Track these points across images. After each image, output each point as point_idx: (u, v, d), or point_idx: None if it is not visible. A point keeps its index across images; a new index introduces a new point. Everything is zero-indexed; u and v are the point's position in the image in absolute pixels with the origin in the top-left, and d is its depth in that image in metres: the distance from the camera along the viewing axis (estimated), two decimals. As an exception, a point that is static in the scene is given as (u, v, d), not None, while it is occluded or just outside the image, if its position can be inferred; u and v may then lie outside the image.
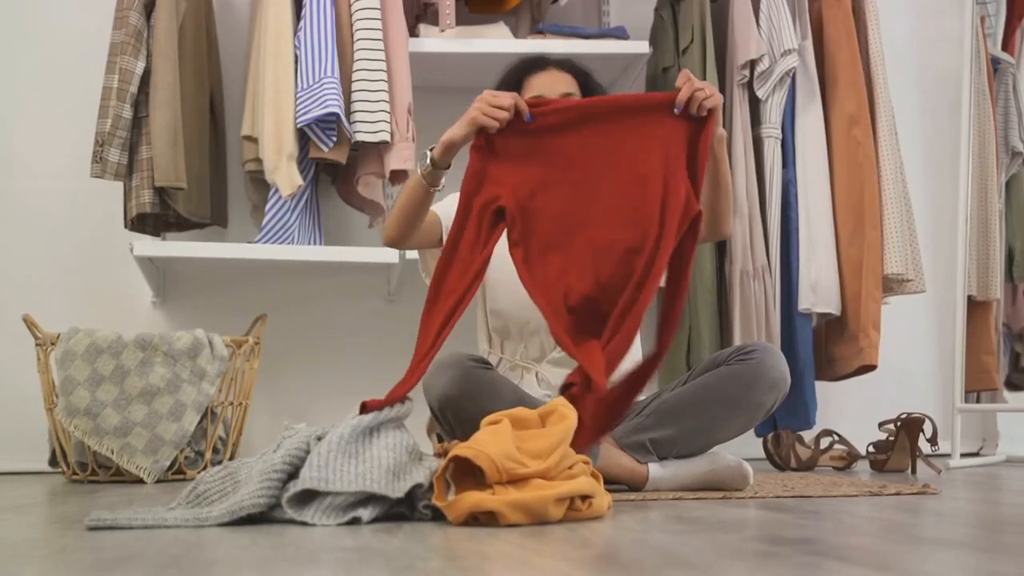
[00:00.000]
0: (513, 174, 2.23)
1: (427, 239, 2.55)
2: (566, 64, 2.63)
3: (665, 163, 2.19)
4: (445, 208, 2.55)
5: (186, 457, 2.98)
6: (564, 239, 2.20)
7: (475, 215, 2.19)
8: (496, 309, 2.58)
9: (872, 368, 3.38)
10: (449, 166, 2.33)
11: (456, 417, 2.32)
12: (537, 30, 3.54)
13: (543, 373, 2.53)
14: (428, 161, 2.32)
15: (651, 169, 2.19)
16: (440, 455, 1.87)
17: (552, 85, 2.58)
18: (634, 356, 2.64)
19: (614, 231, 2.18)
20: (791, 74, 3.38)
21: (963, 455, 3.58)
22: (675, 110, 2.19)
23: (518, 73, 2.63)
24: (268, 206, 3.22)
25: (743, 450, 2.77)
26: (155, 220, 3.32)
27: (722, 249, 3.37)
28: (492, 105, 2.21)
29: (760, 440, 3.35)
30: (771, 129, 3.38)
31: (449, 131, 2.29)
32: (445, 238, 2.50)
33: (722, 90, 3.37)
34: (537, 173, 2.22)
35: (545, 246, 2.20)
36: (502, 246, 2.48)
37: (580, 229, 2.20)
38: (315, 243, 3.38)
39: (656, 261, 2.13)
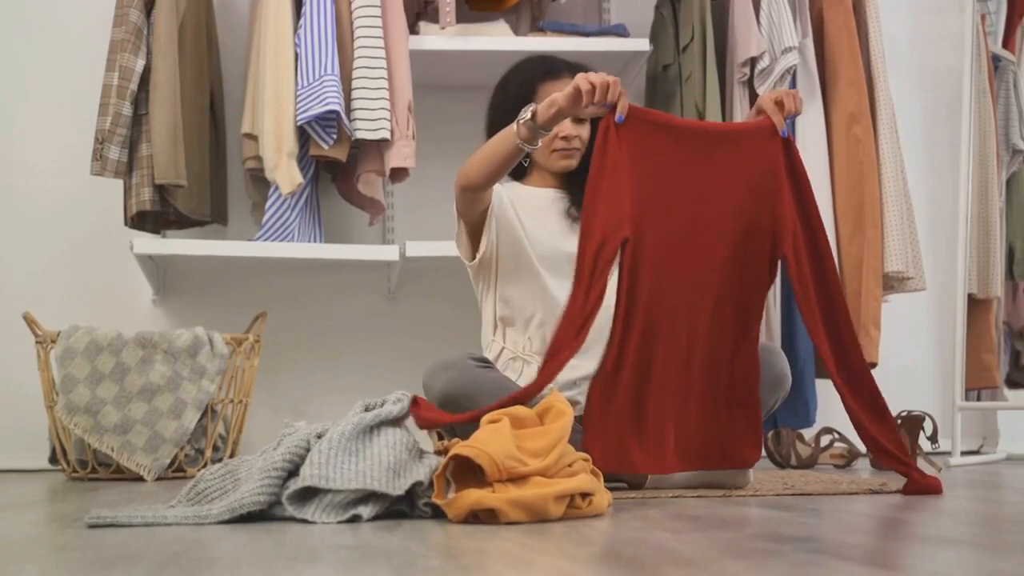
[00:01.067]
0: (629, 186, 2.20)
1: (483, 203, 2.53)
2: (576, 72, 2.60)
3: (770, 212, 2.23)
4: (500, 192, 2.56)
5: (186, 455, 2.98)
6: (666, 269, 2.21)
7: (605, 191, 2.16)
8: (506, 296, 2.58)
9: (872, 366, 3.37)
10: (551, 131, 2.30)
11: None
12: (537, 28, 3.53)
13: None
14: (530, 116, 2.26)
15: (753, 221, 2.23)
16: (440, 453, 1.87)
17: None
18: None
19: (713, 277, 2.23)
20: (791, 72, 3.37)
21: (963, 453, 3.58)
22: (782, 134, 2.22)
23: (532, 77, 2.61)
24: (268, 204, 3.22)
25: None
26: (155, 218, 3.32)
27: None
28: (594, 80, 2.18)
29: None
30: (771, 127, 3.37)
31: (560, 99, 2.22)
32: (489, 217, 2.53)
33: (722, 88, 3.37)
34: (645, 190, 2.20)
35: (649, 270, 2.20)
36: (526, 231, 2.53)
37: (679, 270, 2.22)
38: (315, 241, 3.38)
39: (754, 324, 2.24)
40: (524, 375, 2.52)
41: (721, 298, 2.24)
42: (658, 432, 2.22)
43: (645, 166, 2.19)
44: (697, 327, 2.24)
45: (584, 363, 2.54)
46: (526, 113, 2.27)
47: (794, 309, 3.35)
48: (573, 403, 2.46)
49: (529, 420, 1.90)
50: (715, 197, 2.22)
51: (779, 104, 2.27)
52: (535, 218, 2.59)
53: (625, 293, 2.18)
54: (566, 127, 2.55)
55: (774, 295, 3.32)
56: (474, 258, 2.57)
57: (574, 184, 2.60)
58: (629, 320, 2.18)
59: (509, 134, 2.30)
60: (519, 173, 2.67)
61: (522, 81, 2.61)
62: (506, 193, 2.59)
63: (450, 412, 2.34)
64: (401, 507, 1.79)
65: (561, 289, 2.55)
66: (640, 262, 2.18)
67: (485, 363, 2.42)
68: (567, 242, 2.59)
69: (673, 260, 2.21)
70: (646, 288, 2.19)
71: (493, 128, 2.65)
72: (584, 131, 2.58)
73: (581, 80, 2.18)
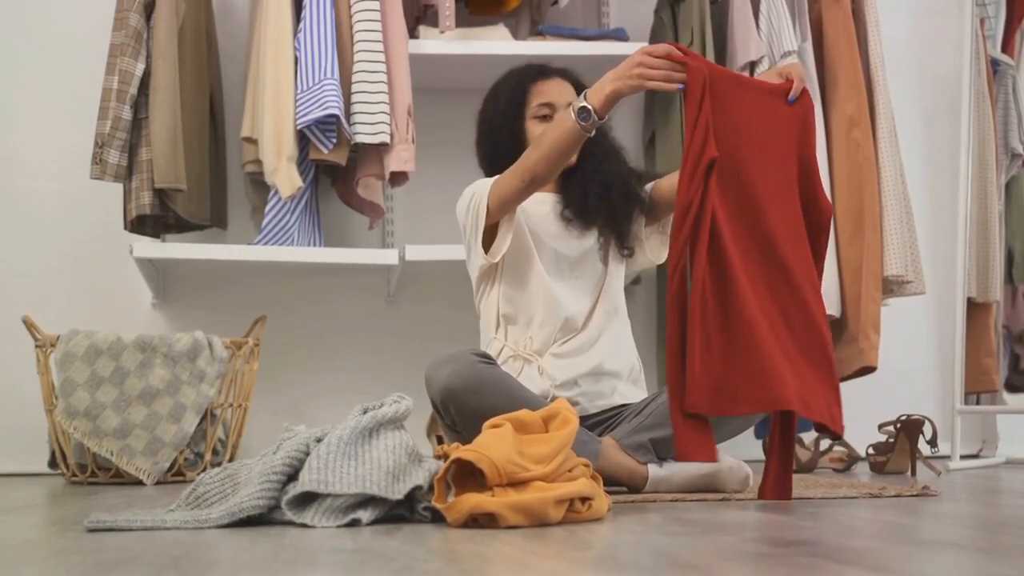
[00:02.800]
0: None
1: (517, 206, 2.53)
2: (568, 75, 2.66)
3: (798, 161, 2.21)
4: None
5: (185, 459, 2.98)
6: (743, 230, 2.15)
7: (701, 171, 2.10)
8: (510, 295, 2.58)
9: (872, 370, 3.37)
10: (605, 117, 2.31)
11: (458, 411, 2.33)
12: (537, 32, 3.54)
13: (545, 366, 2.53)
14: (590, 109, 2.27)
15: (790, 170, 2.20)
16: (440, 457, 1.87)
17: (560, 93, 2.61)
18: (629, 358, 2.64)
19: (782, 242, 2.16)
20: (791, 76, 3.37)
21: (963, 457, 3.58)
22: (790, 100, 2.20)
23: (523, 80, 2.64)
24: (268, 207, 3.22)
25: (742, 452, 2.77)
26: (155, 221, 3.32)
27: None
28: (656, 61, 2.16)
29: (760, 442, 3.35)
30: (771, 131, 3.37)
31: (613, 83, 2.23)
32: (514, 213, 2.52)
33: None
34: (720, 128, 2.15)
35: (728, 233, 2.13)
36: (531, 232, 2.53)
37: (754, 225, 2.15)
38: (315, 244, 3.38)
39: (814, 278, 2.17)
40: (524, 374, 2.52)
41: (788, 237, 2.17)
42: (769, 367, 2.07)
43: (715, 108, 2.15)
44: (770, 258, 2.15)
45: (583, 360, 2.55)
46: (578, 104, 2.28)
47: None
48: (574, 403, 2.47)
49: (534, 425, 1.90)
50: (769, 144, 2.19)
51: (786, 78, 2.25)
52: (537, 221, 2.61)
53: (706, 217, 2.09)
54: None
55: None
56: (497, 256, 2.54)
57: (569, 185, 2.61)
58: (713, 245, 2.10)
59: (570, 128, 2.30)
60: None
61: (514, 84, 2.64)
62: None
63: (453, 407, 2.35)
64: (400, 511, 1.79)
65: (563, 291, 2.57)
66: (720, 189, 2.12)
67: (487, 359, 2.42)
68: (566, 246, 2.60)
69: (745, 195, 2.15)
70: (723, 218, 2.12)
71: (485, 136, 2.68)
72: None
73: (648, 79, 2.17)
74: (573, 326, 2.57)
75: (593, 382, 2.55)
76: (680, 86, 2.16)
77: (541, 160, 2.39)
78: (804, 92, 2.23)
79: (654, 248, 2.67)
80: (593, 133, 2.34)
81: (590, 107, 2.28)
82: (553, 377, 2.51)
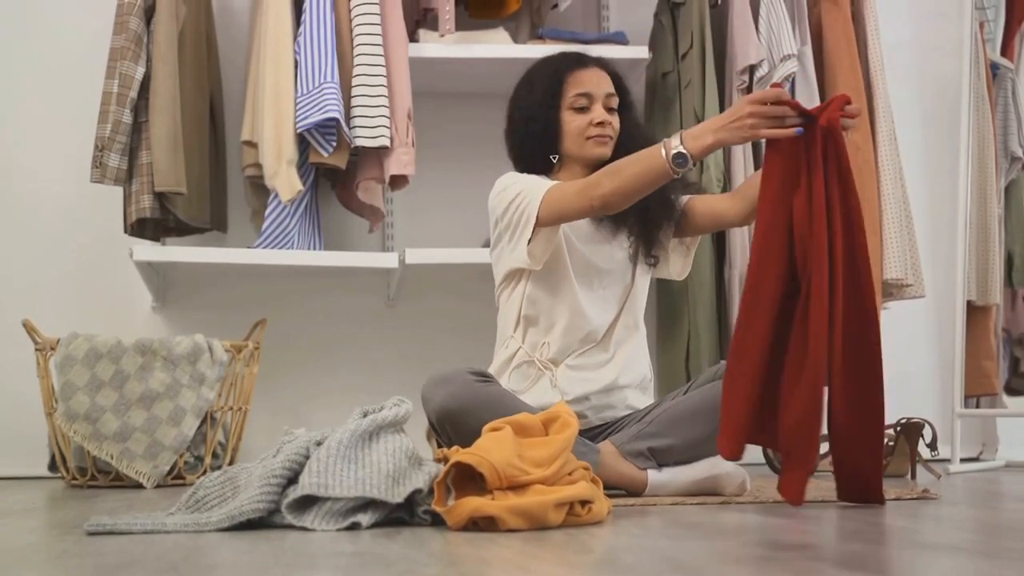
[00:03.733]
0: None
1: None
2: (606, 64, 2.60)
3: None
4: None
5: (185, 462, 2.98)
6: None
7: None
8: (535, 296, 2.54)
9: (871, 373, 3.37)
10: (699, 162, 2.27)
11: (456, 432, 2.30)
12: (537, 35, 3.54)
13: (558, 378, 2.51)
14: (683, 149, 2.20)
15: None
16: (440, 460, 1.87)
17: (598, 83, 2.54)
18: (642, 370, 2.62)
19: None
20: (790, 79, 3.38)
21: (963, 460, 3.58)
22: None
23: (560, 68, 2.57)
24: (268, 211, 3.22)
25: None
26: (155, 225, 3.32)
27: (721, 254, 3.37)
28: (771, 112, 2.08)
29: (759, 446, 3.35)
30: (770, 134, 3.37)
31: (717, 133, 2.16)
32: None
33: (721, 95, 3.38)
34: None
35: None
36: (564, 236, 2.50)
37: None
38: (315, 248, 3.38)
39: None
40: (537, 384, 2.50)
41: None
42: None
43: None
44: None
45: (598, 376, 2.53)
46: (674, 144, 2.20)
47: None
48: (581, 417, 2.45)
49: (534, 429, 1.90)
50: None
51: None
52: (571, 223, 2.54)
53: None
54: (599, 113, 2.52)
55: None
56: (539, 263, 2.48)
57: None
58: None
59: (660, 166, 2.23)
60: (546, 168, 2.59)
61: (550, 73, 2.57)
62: None
63: (450, 427, 2.33)
64: (400, 514, 1.79)
65: (588, 301, 2.52)
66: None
67: (484, 377, 2.39)
68: (596, 252, 2.55)
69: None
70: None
71: (518, 124, 2.59)
72: (616, 119, 2.56)
73: (763, 131, 2.09)
74: (593, 337, 2.54)
75: (604, 396, 2.54)
76: (799, 130, 2.07)
77: (618, 191, 2.31)
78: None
79: (675, 262, 2.65)
80: (679, 175, 2.26)
81: (687, 154, 2.20)
82: (565, 391, 2.49)
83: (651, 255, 2.61)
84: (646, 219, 2.54)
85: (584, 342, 2.53)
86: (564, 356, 2.52)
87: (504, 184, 2.52)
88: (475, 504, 1.68)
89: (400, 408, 1.90)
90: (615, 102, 2.57)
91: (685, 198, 2.59)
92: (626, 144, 2.52)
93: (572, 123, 2.53)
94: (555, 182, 2.46)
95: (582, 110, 2.53)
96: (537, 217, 2.41)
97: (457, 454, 1.76)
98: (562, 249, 2.53)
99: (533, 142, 2.56)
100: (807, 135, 2.08)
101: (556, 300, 2.53)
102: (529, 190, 2.44)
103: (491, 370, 2.56)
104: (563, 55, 2.63)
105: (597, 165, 2.50)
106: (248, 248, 3.30)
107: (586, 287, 2.54)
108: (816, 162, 2.08)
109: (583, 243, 2.57)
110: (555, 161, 2.57)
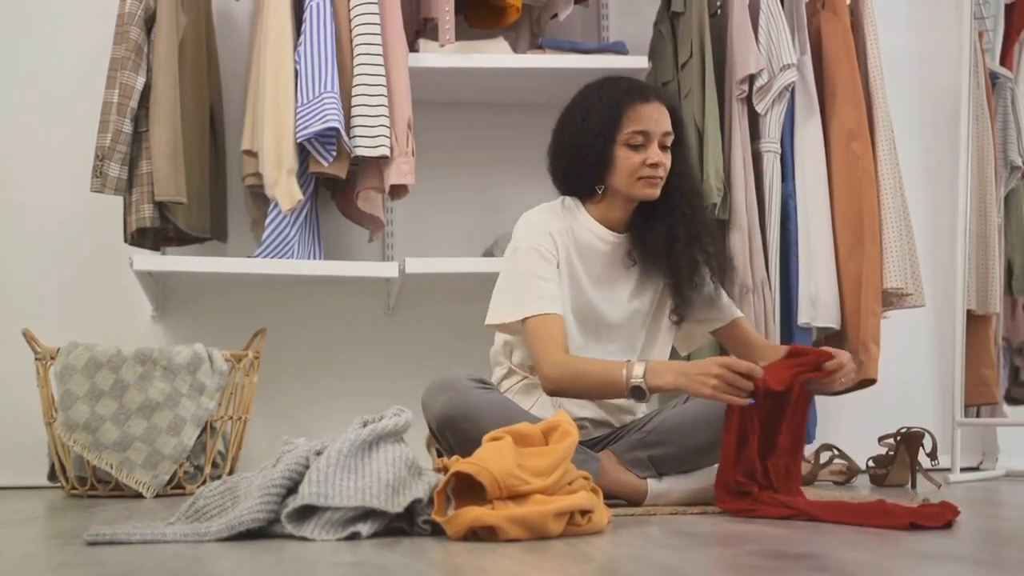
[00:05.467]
0: None
1: None
2: (666, 99, 2.49)
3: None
4: (561, 249, 2.47)
5: (185, 472, 2.98)
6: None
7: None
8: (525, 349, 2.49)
9: (872, 382, 3.37)
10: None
11: (456, 439, 2.29)
12: (537, 45, 3.54)
13: (561, 399, 2.49)
14: (643, 384, 2.22)
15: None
16: (439, 470, 1.87)
17: (658, 121, 2.44)
18: None
19: None
20: (790, 88, 3.38)
21: (963, 469, 3.58)
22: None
23: (622, 99, 2.45)
24: (268, 220, 3.22)
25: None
26: (155, 234, 3.32)
27: (721, 263, 3.37)
28: (735, 380, 2.14)
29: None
30: (770, 143, 3.38)
31: (680, 378, 2.18)
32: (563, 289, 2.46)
33: (720, 105, 3.38)
34: None
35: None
36: (583, 268, 2.47)
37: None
38: (315, 257, 3.38)
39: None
40: (539, 403, 2.47)
41: None
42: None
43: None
44: None
45: (600, 406, 2.54)
46: (636, 374, 2.22)
47: (793, 325, 3.35)
48: (581, 428, 2.44)
49: (534, 438, 1.90)
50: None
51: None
52: (586, 262, 2.49)
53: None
54: (654, 153, 2.42)
55: (774, 310, 3.32)
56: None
57: (640, 230, 2.50)
58: None
59: (617, 384, 2.25)
60: (589, 194, 2.51)
61: (609, 104, 2.45)
62: (564, 239, 2.47)
63: (450, 434, 2.33)
64: (400, 524, 1.79)
65: (586, 350, 2.46)
66: None
67: (484, 384, 2.38)
68: (609, 300, 2.49)
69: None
70: None
71: (567, 151, 2.50)
72: (668, 159, 2.47)
73: (723, 396, 2.15)
74: None
75: (605, 414, 2.55)
76: (751, 400, 2.15)
77: (571, 391, 2.36)
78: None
79: (689, 339, 2.65)
80: (645, 402, 2.33)
81: (645, 390, 2.22)
82: (569, 410, 2.46)
83: (676, 311, 2.54)
84: (689, 267, 2.49)
85: None
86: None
87: (525, 242, 2.45)
88: (475, 514, 1.68)
89: (400, 418, 1.90)
90: (670, 140, 2.47)
91: (737, 316, 2.59)
92: (674, 185, 2.47)
93: (626, 160, 2.42)
94: (552, 311, 2.38)
95: (637, 147, 2.42)
96: (514, 322, 2.41)
97: (457, 464, 1.76)
98: (567, 311, 2.46)
99: (580, 171, 2.47)
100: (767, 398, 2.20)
101: (569, 341, 2.46)
102: (530, 288, 2.40)
103: (493, 379, 2.56)
104: (623, 86, 2.48)
105: (634, 217, 2.48)
106: (248, 257, 3.30)
107: (584, 332, 2.49)
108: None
109: (598, 289, 2.50)
110: (600, 192, 2.49)
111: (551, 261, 2.44)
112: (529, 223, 2.49)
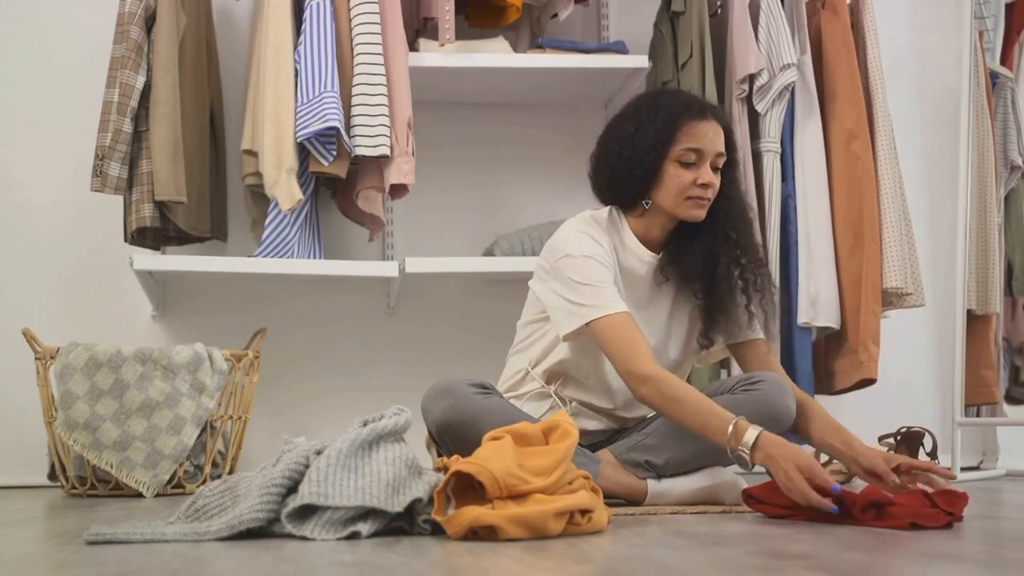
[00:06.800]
0: None
1: None
2: (720, 117, 2.42)
3: None
4: (611, 254, 2.41)
5: (185, 471, 2.98)
6: None
7: None
8: (566, 359, 2.44)
9: (872, 382, 3.38)
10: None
11: (455, 443, 2.29)
12: (537, 44, 3.54)
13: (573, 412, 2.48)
14: (746, 456, 2.11)
15: None
16: (440, 470, 1.87)
17: (713, 140, 2.37)
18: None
19: None
20: (790, 88, 3.38)
21: (963, 469, 3.58)
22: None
23: (678, 114, 2.37)
24: (268, 220, 3.23)
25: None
26: (155, 234, 3.32)
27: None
28: (815, 486, 1.99)
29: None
30: (770, 143, 3.38)
31: (783, 466, 2.01)
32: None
33: (721, 104, 3.38)
34: None
35: None
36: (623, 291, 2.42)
37: None
38: (315, 257, 3.38)
39: None
40: (551, 411, 2.46)
41: None
42: None
43: None
44: None
45: (616, 429, 2.54)
46: (745, 441, 2.09)
47: (793, 324, 3.35)
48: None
49: (534, 438, 1.90)
50: None
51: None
52: (627, 284, 2.45)
53: None
54: (705, 173, 2.36)
55: (774, 308, 3.31)
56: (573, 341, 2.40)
57: (678, 248, 2.43)
58: None
59: (721, 443, 2.13)
60: (632, 207, 2.45)
61: (664, 119, 2.37)
62: (612, 256, 2.42)
63: (450, 439, 2.32)
64: (400, 524, 1.79)
65: (615, 375, 2.39)
66: None
67: (484, 389, 2.37)
68: (644, 322, 2.42)
69: None
70: None
71: (615, 162, 2.41)
72: (718, 181, 2.40)
73: (804, 496, 1.98)
74: (616, 412, 2.51)
75: (613, 425, 2.55)
76: (834, 509, 1.94)
77: (682, 422, 2.22)
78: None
79: (709, 355, 2.61)
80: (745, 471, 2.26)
81: (748, 461, 2.12)
82: (584, 426, 2.47)
83: (707, 335, 2.49)
84: (729, 293, 2.43)
85: (605, 411, 2.50)
86: (584, 411, 2.50)
87: (579, 251, 2.36)
88: (475, 513, 1.68)
89: (400, 417, 1.90)
90: (722, 162, 2.41)
91: (757, 337, 2.53)
92: (721, 208, 2.41)
93: (676, 178, 2.35)
94: (625, 310, 2.31)
95: (689, 165, 2.35)
96: (587, 326, 2.31)
97: (457, 463, 1.76)
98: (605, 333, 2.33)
99: (625, 183, 2.40)
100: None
101: (586, 374, 2.45)
102: (596, 291, 2.31)
103: (502, 379, 2.55)
104: (679, 100, 2.41)
105: (674, 236, 2.42)
106: (248, 257, 3.30)
107: None
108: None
109: (637, 310, 2.43)
110: (647, 207, 2.42)
111: (610, 269, 2.38)
112: (581, 234, 2.41)
